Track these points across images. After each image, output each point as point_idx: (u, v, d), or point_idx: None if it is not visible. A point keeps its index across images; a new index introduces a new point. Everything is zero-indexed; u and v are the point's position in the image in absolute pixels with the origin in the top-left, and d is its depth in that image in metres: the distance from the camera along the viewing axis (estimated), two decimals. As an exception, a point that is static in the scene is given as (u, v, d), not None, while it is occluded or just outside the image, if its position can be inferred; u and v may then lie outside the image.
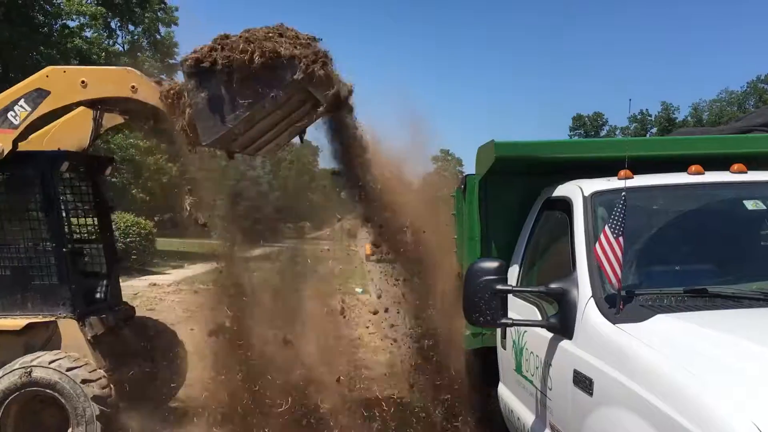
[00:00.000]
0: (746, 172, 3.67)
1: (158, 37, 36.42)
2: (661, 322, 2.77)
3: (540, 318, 3.56)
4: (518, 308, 3.86)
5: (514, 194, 4.51)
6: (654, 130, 63.87)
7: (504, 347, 4.25)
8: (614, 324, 2.88)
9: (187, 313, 14.33)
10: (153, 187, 40.15)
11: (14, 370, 5.18)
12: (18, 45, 22.80)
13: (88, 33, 29.76)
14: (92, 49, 27.58)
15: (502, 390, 4.35)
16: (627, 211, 2.90)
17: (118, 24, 33.06)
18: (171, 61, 37.46)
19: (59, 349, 5.41)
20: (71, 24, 27.96)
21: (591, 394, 2.83)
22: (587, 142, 6.45)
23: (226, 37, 4.79)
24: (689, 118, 63.91)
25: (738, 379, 2.23)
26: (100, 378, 5.28)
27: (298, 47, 4.64)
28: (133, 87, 5.27)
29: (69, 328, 5.51)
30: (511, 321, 3.30)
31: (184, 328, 7.94)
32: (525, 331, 3.80)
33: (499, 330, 4.28)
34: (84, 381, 5.16)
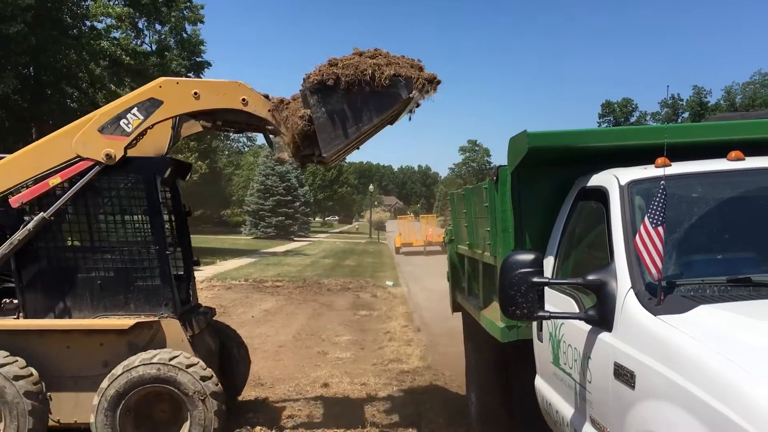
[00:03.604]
0: (789, 157, 3.57)
1: (185, 35, 36.70)
2: (704, 312, 2.71)
3: (577, 310, 3.51)
4: (554, 300, 3.82)
5: (547, 185, 4.44)
6: (686, 114, 62.84)
7: (540, 339, 4.20)
8: (655, 315, 2.82)
9: (221, 309, 14.55)
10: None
11: (135, 366, 5.30)
12: (48, 48, 23.15)
13: (116, 34, 30.12)
14: (118, 51, 27.90)
15: (539, 383, 4.30)
16: (666, 200, 2.84)
17: (146, 24, 33.37)
18: (198, 59, 37.80)
19: (163, 348, 5.53)
20: (99, 26, 28.32)
21: (633, 388, 2.78)
22: (622, 129, 6.36)
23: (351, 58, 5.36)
24: (722, 101, 62.73)
25: None
26: (212, 376, 5.41)
27: (412, 69, 5.19)
28: (243, 100, 5.53)
29: (171, 327, 5.62)
30: (548, 314, 3.26)
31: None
32: (562, 323, 3.74)
33: (535, 322, 4.23)
34: (202, 378, 5.32)
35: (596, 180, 3.90)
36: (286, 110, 5.50)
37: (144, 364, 5.31)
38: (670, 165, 3.38)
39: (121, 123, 5.49)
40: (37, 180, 5.56)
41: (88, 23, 27.50)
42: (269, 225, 51.81)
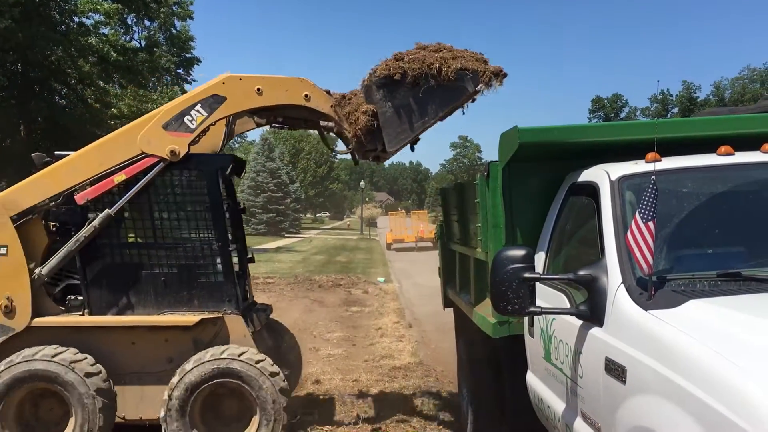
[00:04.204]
0: (779, 151, 3.58)
1: (174, 31, 36.52)
2: (694, 307, 2.71)
3: (568, 305, 3.52)
4: (545, 296, 3.82)
5: (538, 180, 4.44)
6: (675, 110, 63.07)
7: (531, 335, 4.21)
8: (646, 310, 2.82)
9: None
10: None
11: (205, 362, 5.32)
12: (35, 44, 22.97)
13: (105, 30, 29.93)
14: (106, 47, 27.73)
15: (531, 378, 4.31)
16: (657, 195, 2.85)
17: (134, 20, 33.17)
18: (188, 56, 37.64)
19: (227, 344, 5.55)
20: (87, 22, 28.12)
21: (624, 382, 2.79)
22: (612, 125, 6.38)
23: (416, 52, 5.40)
24: (711, 97, 63.01)
25: None
26: (280, 372, 5.44)
27: (477, 62, 5.22)
28: (306, 96, 5.57)
29: (235, 324, 5.64)
30: (539, 309, 3.25)
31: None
32: (553, 319, 3.75)
33: (526, 318, 4.24)
34: (271, 374, 5.35)
35: (587, 175, 3.90)
36: (348, 106, 5.52)
37: (201, 363, 5.32)
38: (661, 160, 3.39)
39: (185, 120, 5.52)
40: (101, 177, 5.57)
41: (76, 19, 27.29)
42: (260, 221, 51.68)
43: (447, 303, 7.20)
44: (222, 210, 5.80)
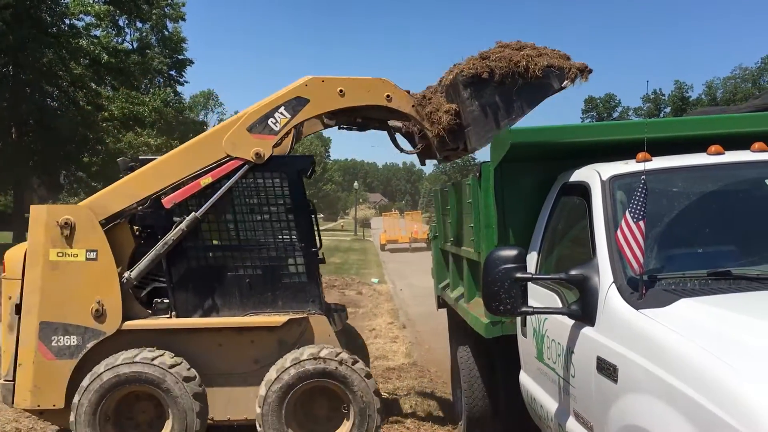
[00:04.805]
0: (768, 151, 3.60)
1: (166, 33, 36.46)
2: (685, 306, 2.72)
3: (560, 305, 3.53)
4: (538, 295, 3.83)
5: (530, 181, 4.46)
6: (668, 109, 63.27)
7: (524, 335, 4.22)
8: (637, 309, 2.84)
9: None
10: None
11: (302, 360, 5.31)
12: (27, 46, 22.88)
13: (96, 32, 29.85)
14: (97, 49, 27.64)
15: (524, 378, 4.32)
16: (647, 195, 2.86)
17: (126, 22, 33.10)
18: (180, 57, 37.57)
19: (312, 344, 5.54)
20: (79, 24, 28.04)
21: (615, 382, 2.79)
22: (603, 125, 6.44)
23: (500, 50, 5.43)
24: (703, 96, 63.25)
25: None
26: (371, 375, 5.46)
27: (561, 59, 5.27)
28: (387, 96, 5.60)
29: (320, 324, 5.63)
30: (531, 309, 3.26)
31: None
32: (545, 319, 3.76)
33: (519, 318, 4.25)
34: (367, 375, 5.36)
35: (578, 175, 3.91)
36: (429, 105, 5.53)
37: (299, 362, 5.31)
38: (651, 160, 3.40)
39: (269, 122, 5.54)
40: (187, 180, 5.57)
41: (67, 21, 27.20)
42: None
43: (440, 304, 7.21)
44: (305, 211, 5.80)
